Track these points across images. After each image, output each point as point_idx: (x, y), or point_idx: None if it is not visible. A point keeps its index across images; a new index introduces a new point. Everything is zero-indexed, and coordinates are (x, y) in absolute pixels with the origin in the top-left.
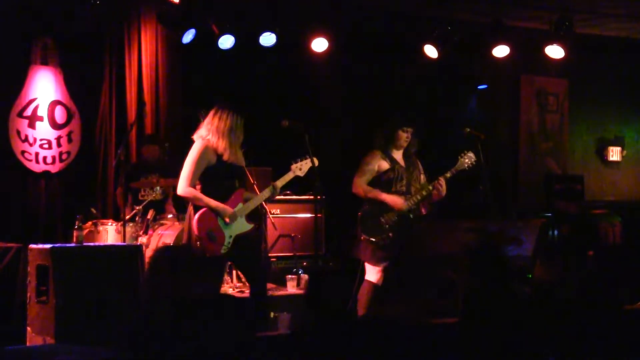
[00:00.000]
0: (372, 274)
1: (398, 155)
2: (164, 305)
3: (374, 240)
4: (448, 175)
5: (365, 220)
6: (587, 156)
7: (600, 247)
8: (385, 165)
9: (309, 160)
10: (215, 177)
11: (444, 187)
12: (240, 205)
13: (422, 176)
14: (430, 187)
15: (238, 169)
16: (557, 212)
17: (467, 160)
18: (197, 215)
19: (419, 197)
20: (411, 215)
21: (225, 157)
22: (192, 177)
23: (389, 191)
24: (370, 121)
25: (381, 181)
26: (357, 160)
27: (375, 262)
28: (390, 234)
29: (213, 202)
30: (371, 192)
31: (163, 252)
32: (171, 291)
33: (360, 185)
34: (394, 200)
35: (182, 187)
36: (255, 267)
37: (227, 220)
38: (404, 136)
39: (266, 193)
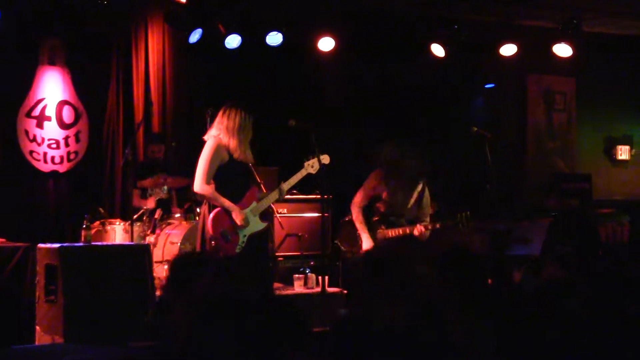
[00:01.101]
0: None
1: (403, 188)
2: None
3: (343, 249)
4: (437, 225)
5: (343, 228)
6: (595, 155)
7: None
8: (382, 192)
9: (322, 157)
10: (228, 175)
11: (423, 235)
12: (254, 204)
13: (423, 210)
14: (408, 231)
15: (248, 165)
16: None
17: (462, 221)
18: (211, 215)
19: (393, 234)
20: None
21: (236, 155)
22: (207, 175)
23: (375, 214)
24: (377, 120)
25: (373, 205)
26: (363, 159)
27: None
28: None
29: (228, 204)
30: (358, 222)
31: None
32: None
33: (357, 209)
34: (366, 241)
35: (199, 184)
36: (262, 266)
37: (241, 224)
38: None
39: (284, 187)
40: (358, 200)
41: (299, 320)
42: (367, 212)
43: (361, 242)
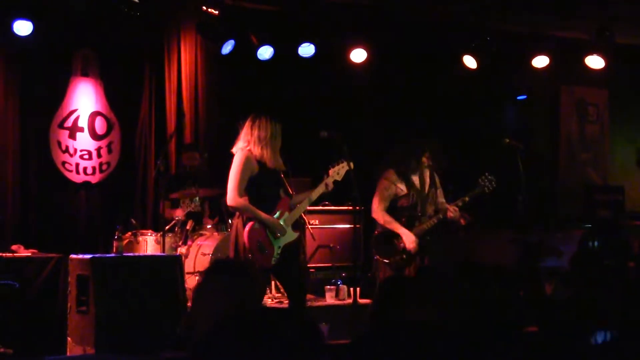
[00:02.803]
0: None
1: (414, 176)
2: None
3: (387, 262)
4: (466, 199)
5: (379, 241)
6: (628, 167)
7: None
8: (402, 189)
9: (345, 164)
10: (260, 187)
11: (457, 213)
12: (286, 214)
13: (439, 191)
14: (441, 216)
15: (279, 174)
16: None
17: (487, 184)
18: (247, 228)
19: (430, 225)
20: (428, 238)
21: (270, 164)
22: (239, 188)
23: (402, 215)
24: (409, 132)
25: (396, 206)
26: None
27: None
28: (404, 256)
29: (264, 215)
30: (390, 223)
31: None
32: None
33: (381, 213)
34: (407, 236)
35: (233, 198)
36: (295, 278)
37: (279, 235)
38: (426, 162)
39: (313, 196)
40: (376, 206)
41: (313, 333)
42: (392, 213)
43: (400, 246)
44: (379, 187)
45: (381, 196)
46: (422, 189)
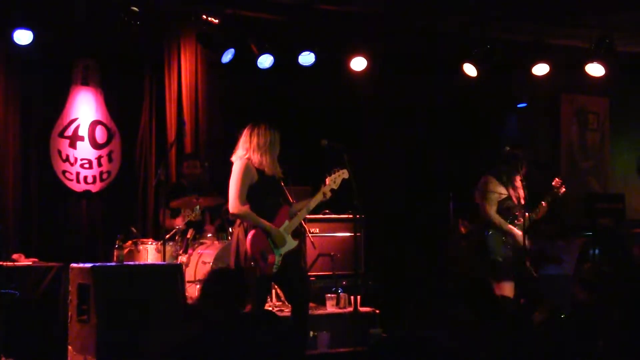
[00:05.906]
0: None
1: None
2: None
3: (500, 259)
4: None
5: (490, 240)
6: (629, 175)
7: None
8: (502, 191)
9: (342, 172)
10: (259, 195)
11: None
12: (286, 222)
13: (524, 192)
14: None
15: (278, 182)
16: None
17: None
18: (250, 236)
19: (543, 213)
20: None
21: (269, 171)
22: (240, 196)
23: (509, 217)
24: (409, 140)
25: (502, 208)
26: (396, 179)
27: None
28: (511, 253)
29: (266, 223)
30: (504, 225)
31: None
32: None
33: (494, 216)
34: (518, 235)
35: (235, 206)
36: (296, 286)
37: (280, 243)
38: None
39: (311, 204)
40: (492, 212)
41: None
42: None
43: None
44: (490, 190)
45: (489, 200)
46: (515, 192)
